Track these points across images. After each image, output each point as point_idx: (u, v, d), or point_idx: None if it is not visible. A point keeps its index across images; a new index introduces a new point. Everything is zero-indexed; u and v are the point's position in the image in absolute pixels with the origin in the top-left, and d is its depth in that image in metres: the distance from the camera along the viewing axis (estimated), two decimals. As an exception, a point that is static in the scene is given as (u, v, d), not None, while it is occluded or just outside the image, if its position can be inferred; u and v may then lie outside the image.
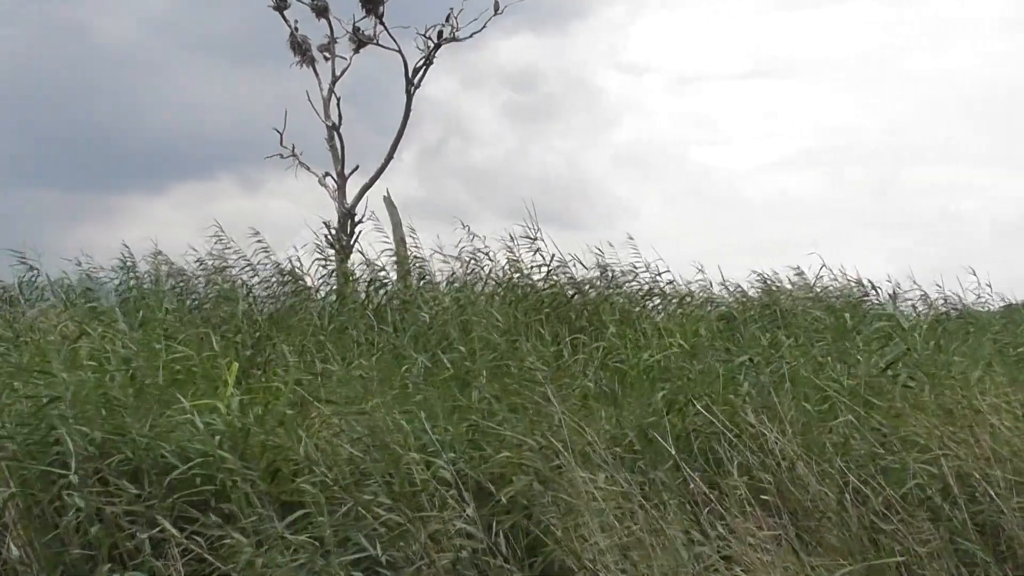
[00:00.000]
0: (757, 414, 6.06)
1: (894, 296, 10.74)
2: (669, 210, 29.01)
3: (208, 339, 7.12)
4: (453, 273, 11.87)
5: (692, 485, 5.92)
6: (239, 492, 5.38)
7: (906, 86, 32.63)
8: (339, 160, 17.75)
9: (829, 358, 7.24)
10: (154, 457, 5.66)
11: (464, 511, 5.31)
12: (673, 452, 6.04)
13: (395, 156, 17.94)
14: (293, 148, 17.83)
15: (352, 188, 17.68)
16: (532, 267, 11.08)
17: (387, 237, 12.74)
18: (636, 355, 7.62)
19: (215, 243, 12.10)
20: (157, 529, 5.02)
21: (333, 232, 17.04)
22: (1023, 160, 31.33)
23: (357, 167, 17.73)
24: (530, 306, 10.04)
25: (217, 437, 5.45)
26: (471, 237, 12.07)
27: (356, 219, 17.18)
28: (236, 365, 6.21)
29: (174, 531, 4.91)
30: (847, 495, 5.49)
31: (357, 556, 4.94)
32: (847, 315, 8.85)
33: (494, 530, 5.28)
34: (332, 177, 17.70)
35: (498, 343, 8.04)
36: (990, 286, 11.43)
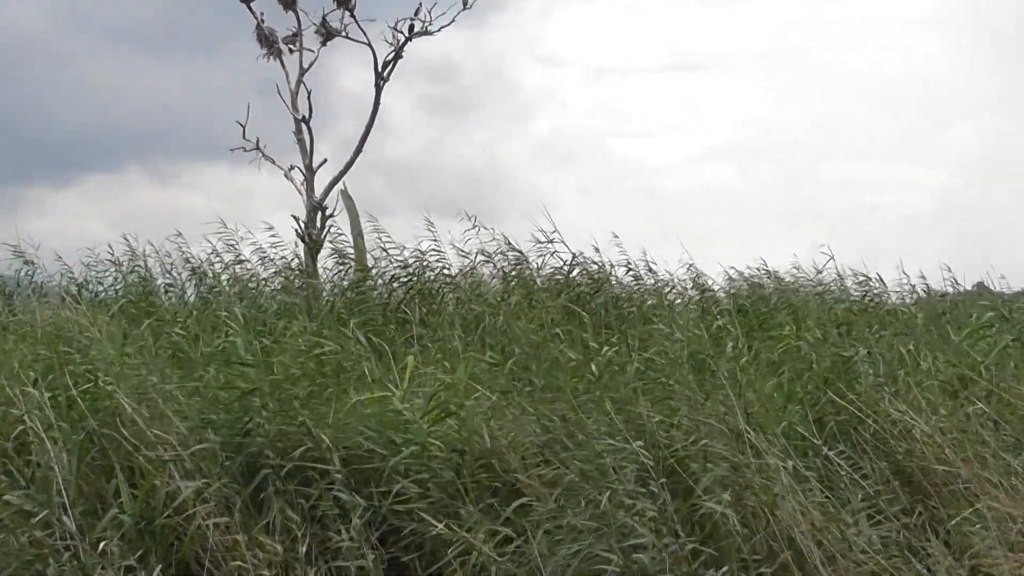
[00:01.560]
0: (900, 401, 6.35)
1: (978, 289, 11.18)
2: (587, 202, 29.25)
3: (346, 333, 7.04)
4: (472, 268, 11.96)
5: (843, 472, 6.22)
6: (441, 481, 5.43)
7: (822, 81, 33.73)
8: (307, 153, 17.52)
9: (919, 348, 7.58)
10: (339, 450, 5.64)
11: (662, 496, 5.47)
12: (818, 440, 6.31)
13: (361, 151, 17.78)
14: (257, 141, 17.58)
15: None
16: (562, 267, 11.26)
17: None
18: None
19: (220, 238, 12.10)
20: (443, 525, 5.00)
21: (303, 225, 16.94)
22: (936, 154, 32.79)
23: (325, 160, 17.55)
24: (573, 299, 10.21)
25: (426, 426, 5.45)
26: (477, 230, 12.23)
27: (327, 212, 17.05)
28: (412, 359, 6.20)
29: (454, 528, 4.92)
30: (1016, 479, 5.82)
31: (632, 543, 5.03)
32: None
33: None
34: (300, 170, 17.48)
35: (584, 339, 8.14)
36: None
